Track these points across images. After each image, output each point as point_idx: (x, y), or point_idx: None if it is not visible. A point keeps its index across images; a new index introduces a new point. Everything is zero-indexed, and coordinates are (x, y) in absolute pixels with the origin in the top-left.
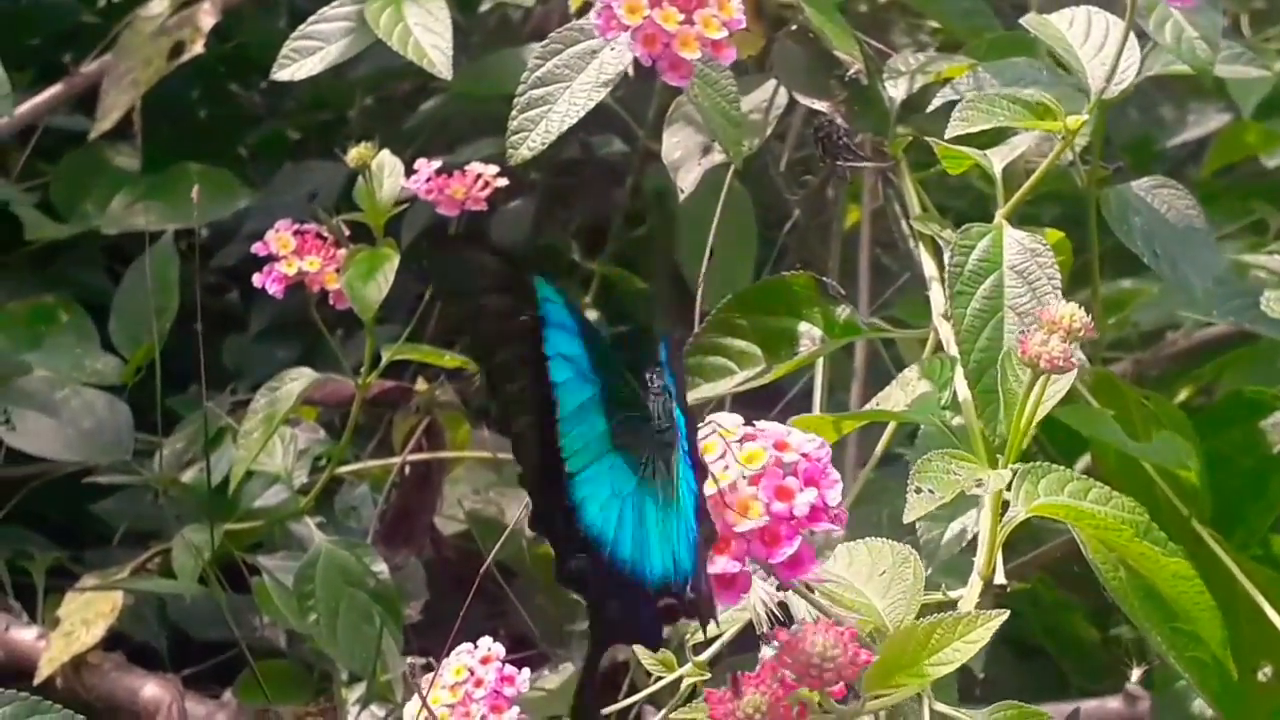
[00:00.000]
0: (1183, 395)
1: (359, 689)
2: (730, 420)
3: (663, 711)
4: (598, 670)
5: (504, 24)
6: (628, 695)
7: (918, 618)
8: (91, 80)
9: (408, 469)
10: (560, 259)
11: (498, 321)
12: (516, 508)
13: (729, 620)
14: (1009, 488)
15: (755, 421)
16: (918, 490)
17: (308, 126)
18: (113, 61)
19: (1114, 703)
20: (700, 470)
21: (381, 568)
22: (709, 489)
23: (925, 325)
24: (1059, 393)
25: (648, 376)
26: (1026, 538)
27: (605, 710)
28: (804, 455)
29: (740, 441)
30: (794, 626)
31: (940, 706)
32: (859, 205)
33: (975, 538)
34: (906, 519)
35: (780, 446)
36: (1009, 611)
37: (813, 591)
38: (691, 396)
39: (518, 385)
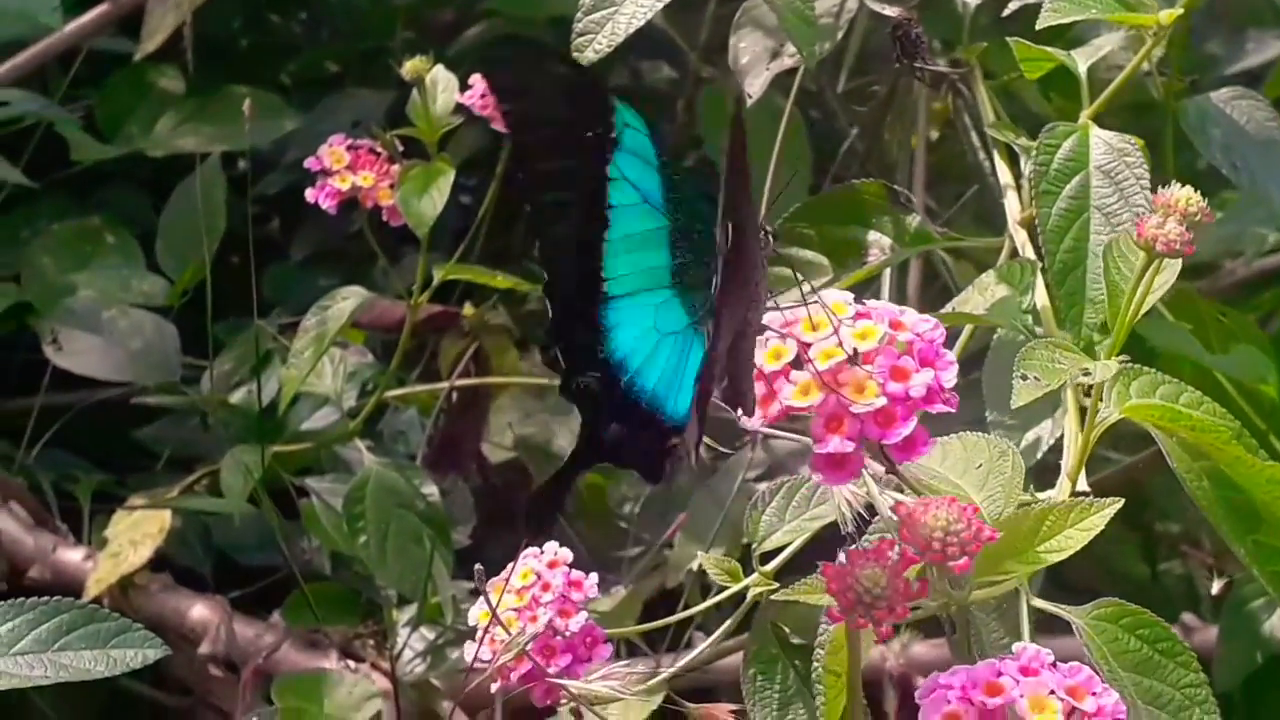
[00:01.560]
0: None
1: (408, 611)
2: (841, 297)
3: (726, 622)
4: (569, 481)
5: None
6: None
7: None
8: (137, 2)
9: (455, 394)
10: None
11: (556, 128)
12: (565, 435)
13: (796, 530)
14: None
15: (865, 300)
16: (1023, 378)
17: (347, 57)
18: None
19: None
20: (723, 321)
21: (431, 489)
22: (821, 365)
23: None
24: (1165, 284)
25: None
26: None
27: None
28: (918, 335)
29: (853, 319)
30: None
31: (1038, 602)
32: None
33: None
34: (1014, 405)
35: (895, 325)
36: (1124, 500)
37: (902, 494)
38: None
39: (560, 207)
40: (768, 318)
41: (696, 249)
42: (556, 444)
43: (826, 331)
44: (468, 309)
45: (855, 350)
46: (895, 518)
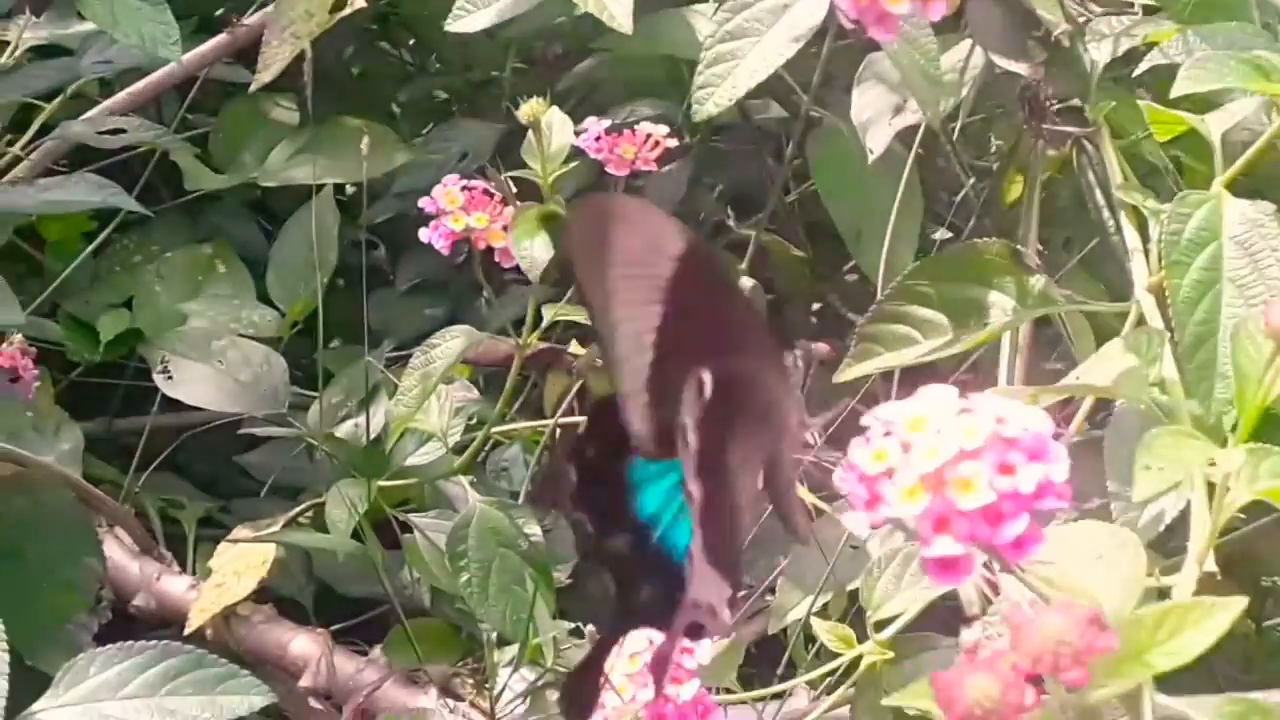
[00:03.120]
0: None
1: (509, 651)
2: (943, 392)
3: (840, 689)
4: (608, 652)
5: None
6: (785, 673)
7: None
8: (254, 32)
9: (559, 431)
10: (710, 224)
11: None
12: None
13: (913, 599)
14: None
15: (968, 395)
16: (1146, 468)
17: (455, 87)
18: (274, 14)
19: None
20: (701, 471)
21: (535, 530)
22: (926, 464)
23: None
24: None
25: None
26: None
27: (767, 691)
28: (1026, 429)
29: (957, 415)
30: (1002, 606)
31: (1162, 699)
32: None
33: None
34: (1135, 498)
35: (1000, 420)
36: (1247, 599)
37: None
38: (871, 365)
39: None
40: (874, 415)
41: None
42: None
43: (930, 429)
44: (575, 347)
45: (961, 447)
46: (1021, 602)
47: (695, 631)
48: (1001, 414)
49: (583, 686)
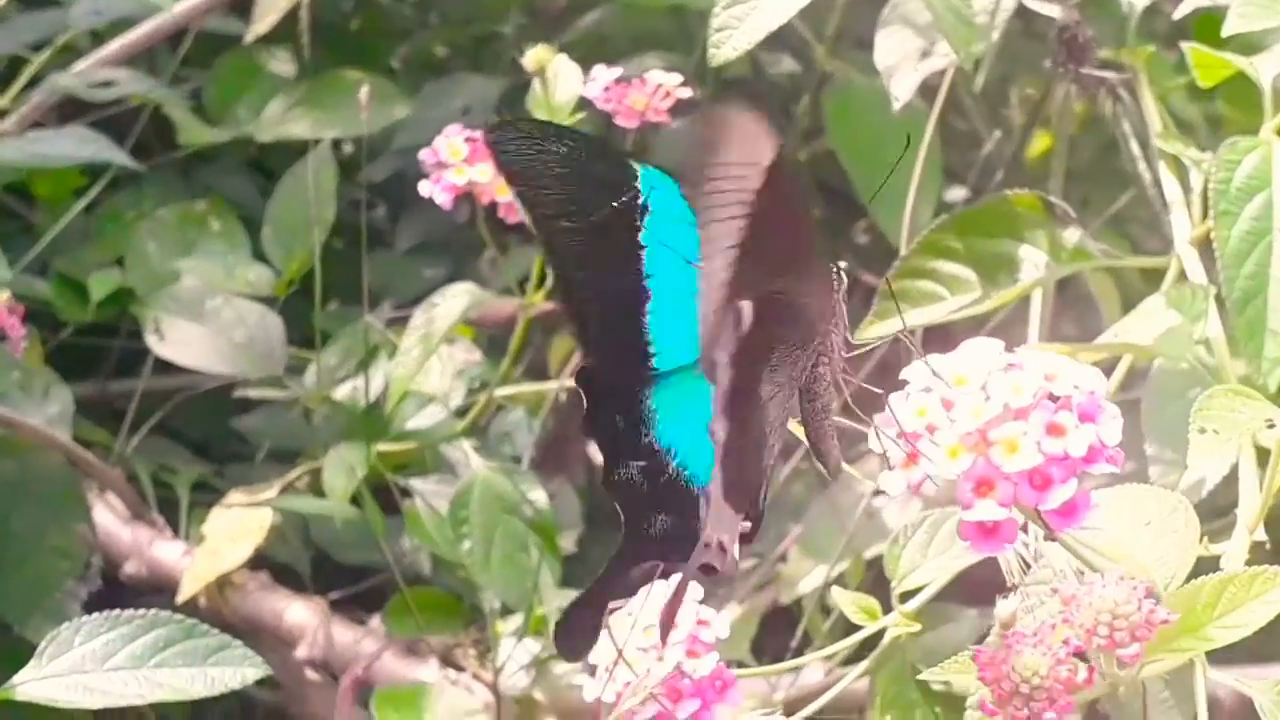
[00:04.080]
0: None
1: (513, 621)
2: (989, 346)
3: (862, 664)
4: (611, 586)
5: None
6: (800, 646)
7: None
8: None
9: (563, 394)
10: None
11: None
12: None
13: (940, 569)
14: None
15: (1016, 349)
16: (1201, 431)
17: (457, 41)
18: None
19: None
20: (731, 409)
21: (539, 495)
22: (970, 422)
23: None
24: None
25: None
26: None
27: (783, 666)
28: (1077, 387)
29: (1004, 370)
30: (1041, 575)
31: (1216, 674)
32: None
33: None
34: (1191, 462)
35: (1049, 378)
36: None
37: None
38: (895, 324)
39: (596, 284)
40: (913, 370)
41: None
42: None
43: (975, 385)
44: None
45: (1007, 405)
46: (1065, 571)
47: (706, 571)
48: (1051, 370)
49: (581, 621)
